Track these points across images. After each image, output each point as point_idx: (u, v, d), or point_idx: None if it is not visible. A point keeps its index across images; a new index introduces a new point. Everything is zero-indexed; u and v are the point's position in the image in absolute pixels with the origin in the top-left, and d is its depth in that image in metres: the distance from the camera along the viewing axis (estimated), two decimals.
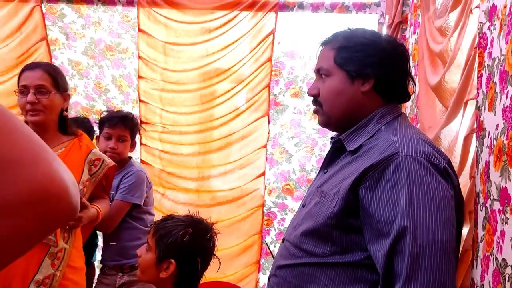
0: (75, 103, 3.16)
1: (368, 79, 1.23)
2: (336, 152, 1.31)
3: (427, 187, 1.07)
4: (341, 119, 1.27)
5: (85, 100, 3.17)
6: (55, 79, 1.77)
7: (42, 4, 2.94)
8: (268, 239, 3.14)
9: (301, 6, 2.82)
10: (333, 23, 2.83)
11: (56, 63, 3.08)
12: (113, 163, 1.93)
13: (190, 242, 1.48)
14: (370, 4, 2.79)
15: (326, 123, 1.31)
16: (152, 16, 2.92)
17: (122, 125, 2.30)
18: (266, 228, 3.13)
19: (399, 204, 1.07)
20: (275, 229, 3.15)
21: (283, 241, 1.33)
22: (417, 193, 1.07)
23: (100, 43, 3.11)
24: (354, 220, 1.15)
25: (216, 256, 1.58)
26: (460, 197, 1.24)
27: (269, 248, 1.94)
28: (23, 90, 1.72)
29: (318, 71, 1.30)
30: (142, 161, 3.02)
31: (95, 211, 1.84)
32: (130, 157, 2.45)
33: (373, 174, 1.12)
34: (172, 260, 1.47)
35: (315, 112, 1.33)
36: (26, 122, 1.75)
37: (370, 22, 2.81)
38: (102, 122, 2.34)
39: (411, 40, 2.38)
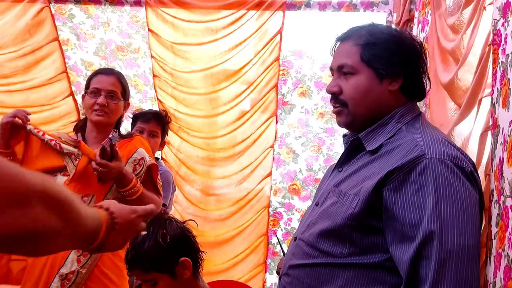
0: None
1: (397, 78, 1.19)
2: (352, 151, 1.27)
3: (454, 191, 1.06)
4: (367, 119, 1.21)
5: None
6: (124, 89, 1.91)
7: (51, 4, 2.94)
8: (274, 240, 3.14)
9: (308, 5, 2.82)
10: (341, 21, 2.83)
11: (70, 63, 3.10)
12: (153, 161, 1.92)
13: (175, 234, 1.45)
14: (378, 2, 2.78)
15: (350, 124, 1.24)
16: (160, 16, 2.93)
17: (156, 121, 2.35)
18: (273, 229, 3.13)
19: (426, 208, 1.05)
20: (281, 229, 3.14)
21: (294, 239, 1.29)
22: (444, 197, 1.05)
23: (111, 44, 3.11)
24: (376, 221, 1.13)
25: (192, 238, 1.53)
26: (482, 201, 1.22)
27: (281, 246, 1.93)
28: (95, 91, 1.83)
29: (339, 68, 1.23)
30: (162, 159, 3.02)
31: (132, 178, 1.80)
32: (157, 158, 2.48)
33: (398, 176, 1.09)
34: (183, 258, 1.45)
35: (338, 112, 1.25)
36: (83, 120, 1.88)
37: (378, 20, 2.79)
38: (136, 118, 2.40)
39: (419, 37, 2.37)
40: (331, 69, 1.28)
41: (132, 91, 3.13)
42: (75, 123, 2.32)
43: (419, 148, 1.10)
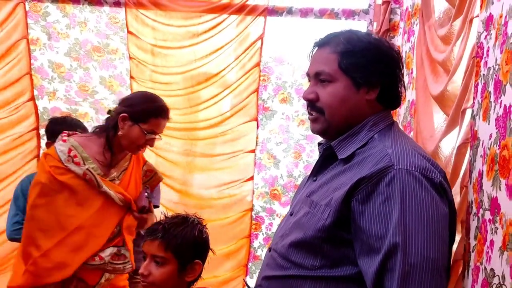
0: (53, 108, 3.06)
1: (374, 88, 1.18)
2: (326, 159, 1.25)
3: (420, 203, 1.04)
4: (342, 127, 1.20)
5: (65, 104, 3.08)
6: None
7: (26, 2, 2.86)
8: (256, 243, 3.14)
9: (290, 12, 2.82)
10: (322, 29, 2.83)
11: (36, 64, 3.00)
12: (163, 177, 2.13)
13: (205, 236, 1.49)
14: (358, 11, 2.80)
15: (324, 131, 1.22)
16: (140, 19, 2.88)
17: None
18: (255, 233, 3.12)
19: (391, 220, 1.04)
20: (263, 234, 3.14)
21: (269, 250, 1.27)
22: (410, 209, 1.04)
23: (86, 44, 3.04)
24: (346, 233, 1.11)
25: (211, 249, 1.56)
26: (454, 213, 1.21)
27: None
28: (152, 133, 1.85)
29: (316, 75, 1.21)
30: None
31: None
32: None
33: (366, 186, 1.08)
34: (197, 261, 1.45)
35: (314, 119, 1.23)
36: (107, 137, 1.85)
37: (358, 29, 2.81)
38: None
39: (404, 48, 2.39)
40: (308, 74, 1.25)
41: (106, 92, 3.10)
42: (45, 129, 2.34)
43: (387, 158, 1.09)
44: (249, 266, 3.11)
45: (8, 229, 2.18)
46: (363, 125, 1.19)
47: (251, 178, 3.04)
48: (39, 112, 2.97)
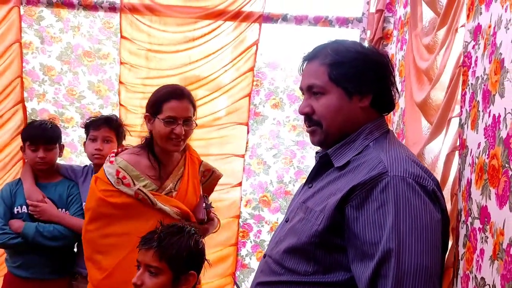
0: (42, 110, 3.06)
1: (366, 95, 1.21)
2: (322, 167, 1.27)
3: (414, 210, 1.06)
4: (339, 136, 1.22)
5: (53, 107, 3.08)
6: (194, 107, 1.84)
7: (21, 6, 2.85)
8: (244, 251, 3.11)
9: (285, 19, 2.83)
10: (316, 36, 2.85)
11: (27, 67, 3.00)
12: (221, 174, 2.05)
13: (201, 247, 1.48)
14: (352, 19, 2.82)
15: (323, 142, 1.25)
16: (135, 24, 2.88)
17: (107, 126, 2.26)
18: (242, 240, 3.09)
19: (385, 226, 1.06)
20: (251, 241, 3.11)
21: (264, 256, 1.29)
22: (403, 215, 1.05)
23: (78, 49, 3.04)
24: (339, 239, 1.13)
25: (207, 260, 1.55)
26: (447, 220, 1.23)
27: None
28: (171, 120, 1.74)
29: (309, 88, 1.24)
30: None
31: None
32: None
33: (360, 193, 1.10)
34: (192, 272, 1.45)
35: (312, 132, 1.26)
36: (150, 148, 1.81)
37: (352, 37, 2.84)
38: (87, 127, 2.30)
39: (398, 56, 2.41)
40: (301, 88, 1.28)
41: (93, 97, 3.09)
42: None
43: (381, 165, 1.11)
44: (237, 275, 3.07)
45: None
46: (359, 133, 1.21)
47: (240, 184, 3.01)
48: (27, 113, 2.95)
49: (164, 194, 1.79)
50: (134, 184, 1.74)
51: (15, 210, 2.20)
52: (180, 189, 1.82)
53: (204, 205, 1.86)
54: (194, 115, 1.83)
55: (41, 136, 2.21)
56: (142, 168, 1.77)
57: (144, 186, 1.75)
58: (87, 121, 2.34)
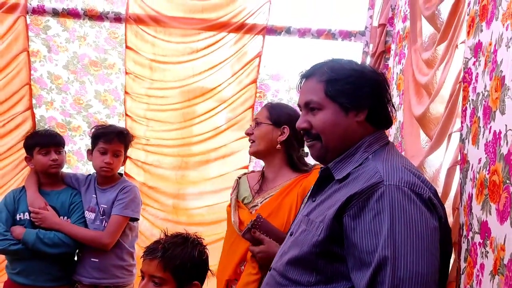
0: (50, 118, 3.11)
1: (362, 110, 1.25)
2: (323, 181, 1.31)
3: (409, 218, 1.08)
4: (339, 150, 1.26)
5: (61, 116, 3.13)
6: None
7: (28, 15, 2.90)
8: None
9: (288, 31, 2.85)
10: (319, 49, 2.88)
11: (35, 75, 3.04)
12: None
13: (205, 258, 1.49)
14: (355, 33, 2.84)
15: (323, 156, 1.29)
16: (140, 35, 2.91)
17: (118, 141, 2.28)
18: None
19: (381, 234, 1.07)
20: None
21: (270, 269, 1.32)
22: (399, 223, 1.07)
23: (84, 58, 3.07)
24: (339, 248, 1.15)
25: (210, 270, 1.56)
26: (447, 228, 1.24)
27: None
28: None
29: (306, 105, 1.29)
30: (125, 174, 2.97)
31: None
32: (121, 174, 2.44)
33: (357, 202, 1.12)
34: (196, 282, 1.46)
35: (311, 146, 1.30)
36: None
37: (354, 50, 2.87)
38: (97, 137, 2.28)
39: (395, 70, 2.43)
40: (299, 105, 1.33)
41: (99, 106, 3.13)
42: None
43: (378, 175, 1.13)
44: None
45: None
46: (358, 146, 1.25)
47: None
48: (36, 120, 3.00)
49: (250, 205, 1.85)
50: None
51: (18, 216, 2.22)
52: (263, 206, 1.80)
53: (250, 223, 1.70)
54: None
55: (50, 139, 2.26)
56: (253, 183, 1.91)
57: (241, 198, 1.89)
58: (98, 130, 2.32)
